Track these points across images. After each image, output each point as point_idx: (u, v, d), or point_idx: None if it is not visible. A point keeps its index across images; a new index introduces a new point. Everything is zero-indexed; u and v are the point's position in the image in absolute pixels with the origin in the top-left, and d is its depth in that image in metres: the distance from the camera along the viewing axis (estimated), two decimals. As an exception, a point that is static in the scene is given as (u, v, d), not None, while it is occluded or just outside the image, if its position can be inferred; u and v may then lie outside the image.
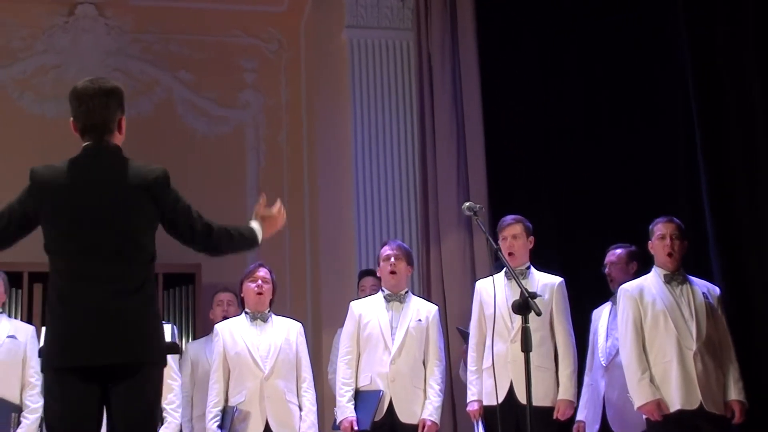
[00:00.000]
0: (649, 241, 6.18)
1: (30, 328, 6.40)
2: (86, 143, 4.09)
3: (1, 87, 9.17)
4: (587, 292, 6.86)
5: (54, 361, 3.88)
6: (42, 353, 3.97)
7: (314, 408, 6.22)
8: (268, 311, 6.33)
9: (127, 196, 3.98)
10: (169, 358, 6.30)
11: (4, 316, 6.43)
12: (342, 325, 6.56)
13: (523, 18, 8.12)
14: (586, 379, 6.53)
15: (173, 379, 6.33)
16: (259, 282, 6.30)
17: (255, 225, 4.49)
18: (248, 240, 4.40)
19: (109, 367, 3.84)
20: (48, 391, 3.93)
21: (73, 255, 3.92)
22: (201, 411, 6.67)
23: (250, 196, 9.32)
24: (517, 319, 5.84)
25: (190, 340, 8.51)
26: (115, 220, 3.94)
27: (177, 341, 5.74)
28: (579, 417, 6.45)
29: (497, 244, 5.96)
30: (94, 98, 4.05)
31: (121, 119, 4.13)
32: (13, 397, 6.13)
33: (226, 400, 6.14)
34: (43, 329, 4.45)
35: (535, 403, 4.83)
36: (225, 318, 6.91)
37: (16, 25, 9.30)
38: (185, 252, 4.27)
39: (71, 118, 4.12)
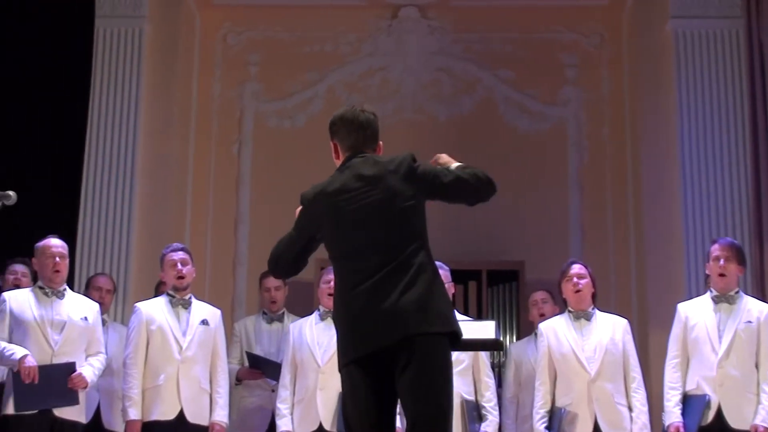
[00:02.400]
0: None
1: None
2: (345, 157, 4.23)
3: (330, 90, 9.52)
4: None
5: (342, 359, 4.00)
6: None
7: (645, 408, 6.07)
8: (592, 308, 6.23)
9: (388, 186, 4.04)
10: (483, 355, 6.36)
11: None
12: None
13: None
14: None
15: (489, 376, 6.36)
16: (575, 280, 6.20)
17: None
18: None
19: (390, 352, 3.88)
20: (342, 387, 4.04)
21: (350, 257, 4.03)
22: (525, 412, 6.65)
23: (572, 193, 9.24)
24: None
25: (514, 337, 8.53)
26: (382, 212, 4.01)
27: (500, 338, 5.73)
28: None
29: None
30: (354, 122, 4.21)
31: (380, 144, 4.28)
32: None
33: (553, 401, 6.10)
34: None
35: None
36: (542, 317, 6.86)
37: (344, 30, 9.63)
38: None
39: (332, 142, 4.28)
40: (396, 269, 3.94)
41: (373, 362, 3.91)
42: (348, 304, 3.98)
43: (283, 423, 6.34)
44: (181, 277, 6.35)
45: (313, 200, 4.16)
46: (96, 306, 6.44)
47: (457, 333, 3.99)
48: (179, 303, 6.35)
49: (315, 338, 6.41)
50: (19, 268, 6.98)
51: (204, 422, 6.24)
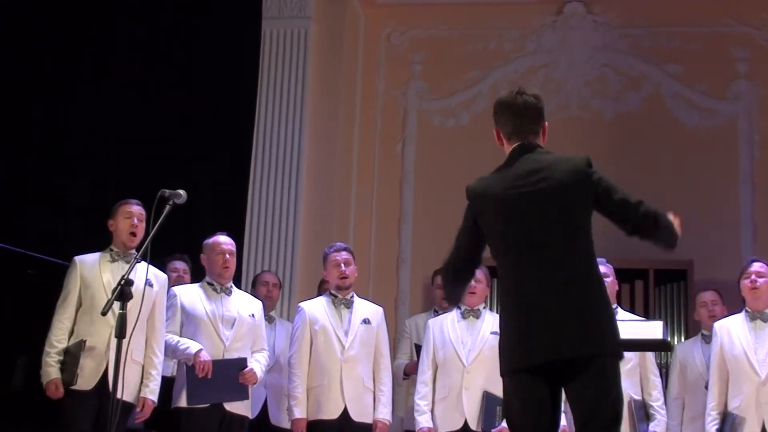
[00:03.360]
0: None
1: None
2: (512, 148, 4.14)
3: (493, 87, 9.47)
4: None
5: (511, 364, 3.92)
6: (500, 356, 4.01)
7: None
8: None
9: (558, 184, 3.94)
10: (650, 354, 6.26)
11: None
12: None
13: None
14: None
15: (656, 375, 6.27)
16: (753, 277, 6.04)
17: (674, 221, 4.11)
18: (674, 232, 4.06)
19: (565, 362, 3.81)
20: (508, 392, 3.96)
21: (516, 254, 3.95)
22: (691, 414, 6.52)
23: (742, 189, 8.98)
24: None
25: (682, 337, 8.34)
26: (551, 209, 3.92)
27: (667, 338, 5.62)
28: None
29: None
30: (512, 107, 4.15)
31: (545, 125, 4.19)
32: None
33: (725, 404, 5.97)
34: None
35: None
36: (712, 318, 6.69)
37: (508, 27, 9.59)
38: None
39: (495, 129, 4.20)
40: (569, 276, 3.85)
41: (542, 370, 3.85)
42: (519, 307, 3.92)
43: (423, 419, 6.30)
44: (344, 278, 6.38)
45: (479, 193, 4.09)
46: (260, 304, 6.54)
47: (621, 358, 3.93)
48: (341, 302, 6.38)
49: (459, 337, 6.38)
50: (180, 265, 7.11)
51: (368, 420, 6.27)
